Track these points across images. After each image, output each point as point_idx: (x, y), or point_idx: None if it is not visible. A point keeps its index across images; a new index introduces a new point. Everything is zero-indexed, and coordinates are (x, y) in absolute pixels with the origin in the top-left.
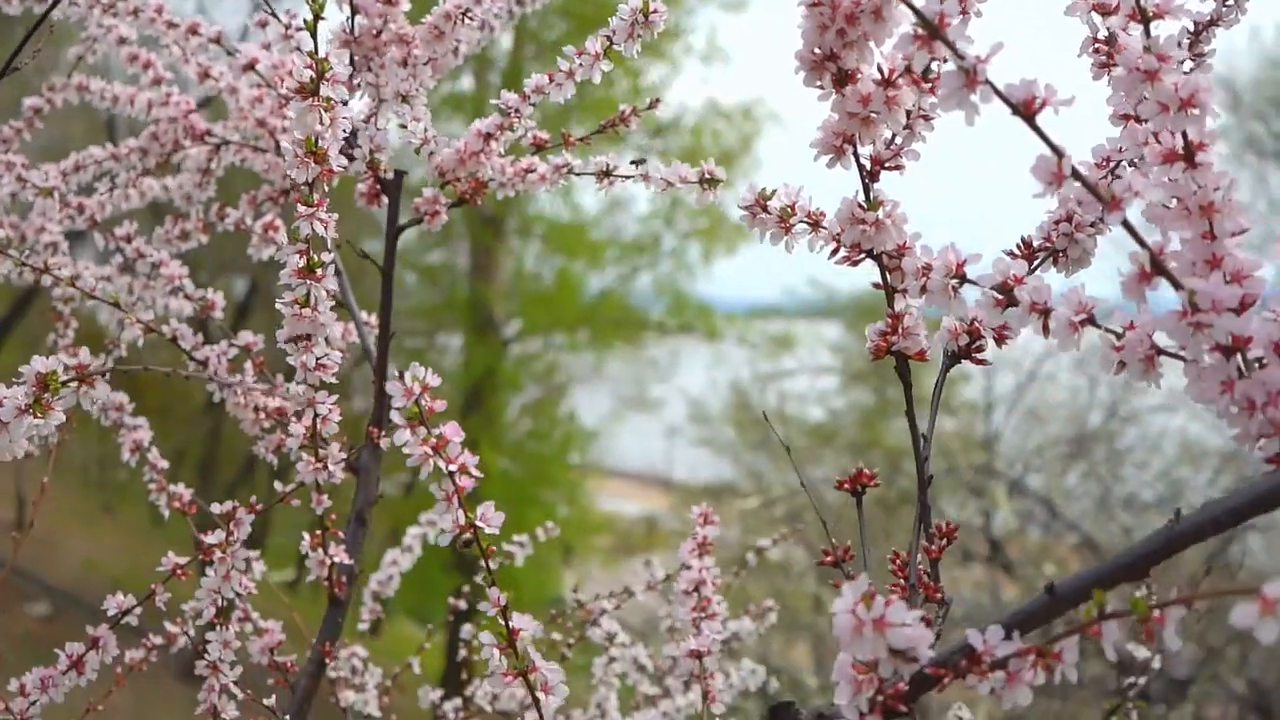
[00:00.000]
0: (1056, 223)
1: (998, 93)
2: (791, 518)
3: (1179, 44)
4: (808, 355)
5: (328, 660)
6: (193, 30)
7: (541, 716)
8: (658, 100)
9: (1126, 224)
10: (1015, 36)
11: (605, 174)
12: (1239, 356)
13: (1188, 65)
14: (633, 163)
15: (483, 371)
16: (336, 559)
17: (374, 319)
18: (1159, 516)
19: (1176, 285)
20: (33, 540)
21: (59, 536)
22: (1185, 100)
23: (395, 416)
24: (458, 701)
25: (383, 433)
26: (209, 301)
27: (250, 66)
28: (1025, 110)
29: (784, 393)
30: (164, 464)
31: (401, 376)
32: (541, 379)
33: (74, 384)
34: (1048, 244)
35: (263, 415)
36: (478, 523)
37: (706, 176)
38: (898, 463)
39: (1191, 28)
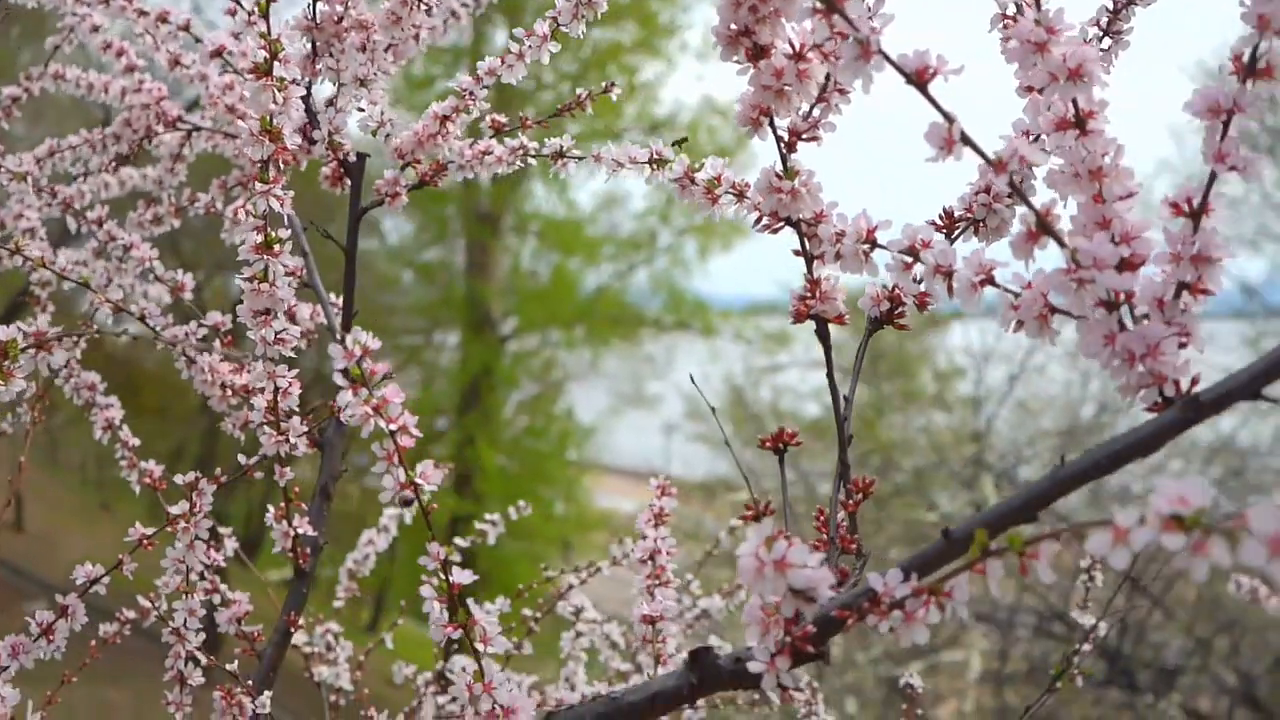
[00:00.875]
0: (976, 193)
1: (891, 62)
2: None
3: (1097, 22)
4: (803, 351)
5: (292, 629)
6: (162, 18)
7: (480, 667)
8: (613, 84)
9: (1013, 185)
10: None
11: (559, 155)
12: (1122, 311)
13: (1106, 43)
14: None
15: (480, 369)
16: (300, 530)
17: (340, 300)
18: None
19: (1061, 244)
20: (31, 538)
21: (57, 534)
22: (1073, 70)
23: (337, 378)
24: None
25: None
26: (179, 283)
27: (218, 53)
28: (918, 79)
29: (778, 388)
30: (135, 441)
31: (343, 341)
32: (538, 376)
33: (32, 350)
34: (968, 214)
35: (229, 392)
36: (417, 480)
37: (655, 157)
38: (891, 457)
39: (1111, 6)
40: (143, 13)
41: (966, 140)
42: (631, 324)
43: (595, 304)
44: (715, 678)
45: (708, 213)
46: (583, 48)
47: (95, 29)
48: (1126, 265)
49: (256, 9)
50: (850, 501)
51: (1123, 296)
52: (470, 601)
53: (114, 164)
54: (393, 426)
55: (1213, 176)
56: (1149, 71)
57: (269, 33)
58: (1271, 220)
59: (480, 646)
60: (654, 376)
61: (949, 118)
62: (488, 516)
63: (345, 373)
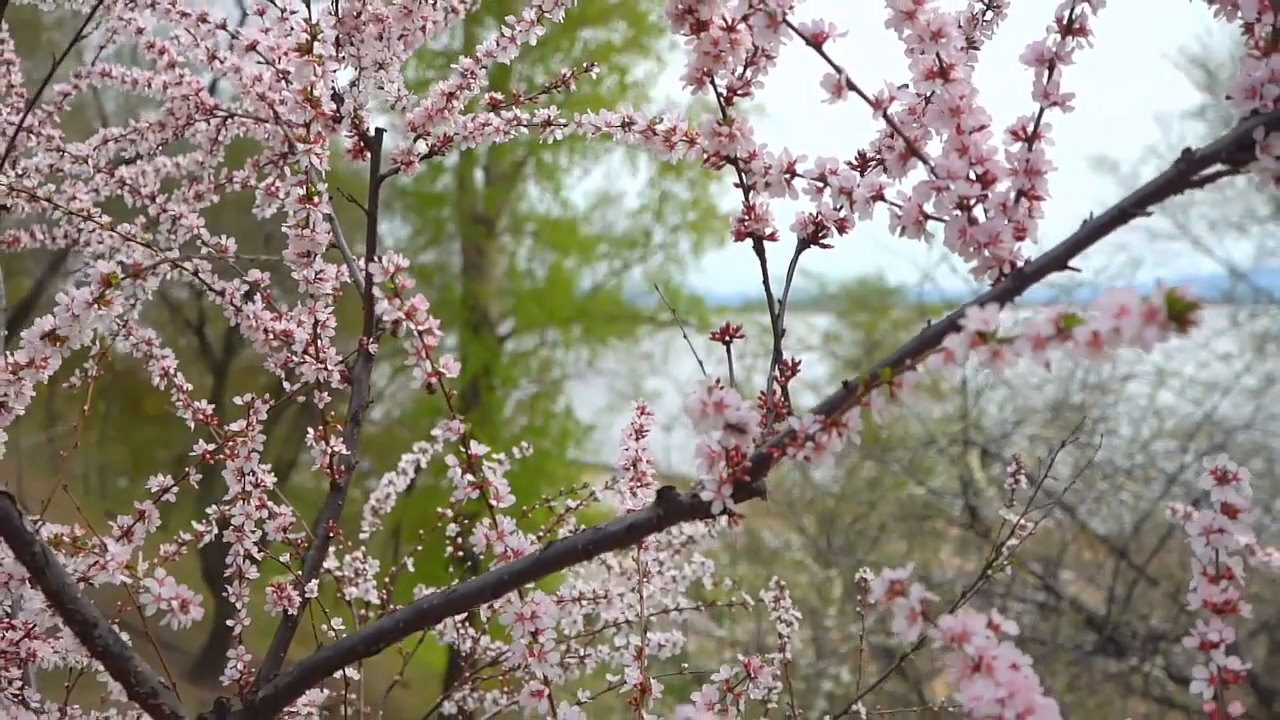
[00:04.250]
0: (883, 138)
1: (794, 29)
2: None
3: None
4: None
5: (331, 535)
6: (202, 19)
7: (494, 520)
8: (593, 64)
9: (888, 119)
10: None
11: (547, 124)
12: (978, 213)
13: (989, 15)
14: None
15: (479, 369)
16: (337, 450)
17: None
18: (1133, 483)
19: (925, 162)
20: None
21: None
22: (935, 32)
23: (376, 289)
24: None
25: (373, 340)
26: (223, 247)
27: (252, 47)
28: (815, 41)
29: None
30: (189, 386)
31: (381, 259)
32: (536, 375)
33: (130, 279)
34: (878, 155)
35: (271, 336)
36: (440, 369)
37: (625, 120)
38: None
39: None
40: (185, 14)
41: (852, 86)
42: (628, 322)
43: (591, 302)
44: (677, 509)
45: (666, 157)
46: (573, 48)
47: (140, 31)
48: (984, 180)
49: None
50: (782, 378)
51: (972, 201)
52: (485, 466)
53: (159, 149)
54: (421, 328)
55: (1041, 110)
56: (1136, 62)
57: (310, 18)
58: (1258, 204)
59: (494, 503)
60: (651, 373)
61: (838, 70)
62: (495, 456)
63: (381, 284)
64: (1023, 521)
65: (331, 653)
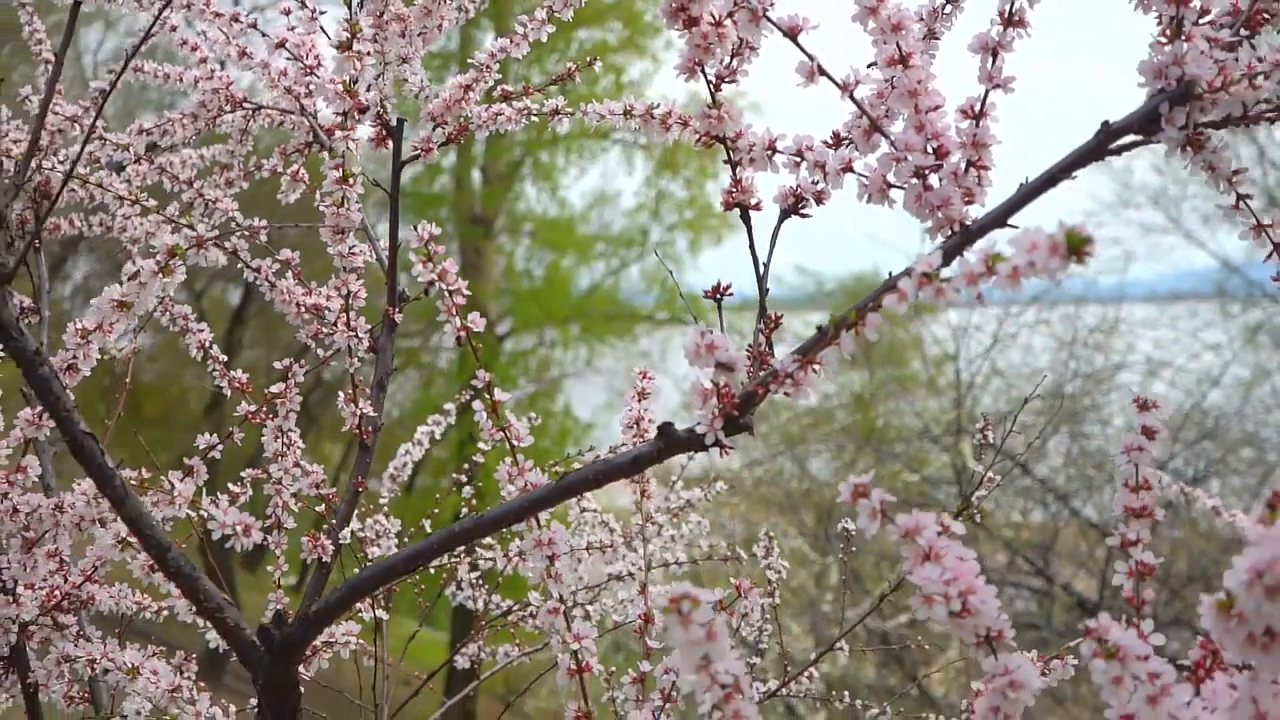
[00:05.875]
0: (853, 118)
1: (773, 23)
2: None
3: None
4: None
5: (360, 490)
6: (234, 19)
7: (515, 458)
8: (595, 59)
9: (854, 100)
10: None
11: (555, 113)
12: (933, 180)
13: (948, 9)
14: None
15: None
16: (365, 411)
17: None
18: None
19: (887, 137)
20: None
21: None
22: (895, 25)
23: (412, 256)
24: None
25: (398, 310)
26: (255, 229)
27: (281, 44)
28: (791, 33)
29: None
30: (224, 357)
31: (416, 229)
32: (535, 374)
33: (194, 249)
34: (849, 134)
35: (302, 310)
36: (469, 324)
37: (627, 109)
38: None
39: None
40: (218, 14)
41: (823, 72)
42: (625, 320)
43: (589, 302)
44: (675, 442)
45: (663, 138)
46: (569, 49)
47: (174, 29)
48: (938, 153)
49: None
50: (766, 329)
51: (928, 171)
52: (508, 414)
53: (193, 139)
54: (451, 288)
55: (986, 92)
56: (1130, 53)
57: (352, 17)
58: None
59: (514, 442)
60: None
61: (811, 57)
62: (528, 416)
63: (417, 250)
64: (990, 475)
65: (376, 570)
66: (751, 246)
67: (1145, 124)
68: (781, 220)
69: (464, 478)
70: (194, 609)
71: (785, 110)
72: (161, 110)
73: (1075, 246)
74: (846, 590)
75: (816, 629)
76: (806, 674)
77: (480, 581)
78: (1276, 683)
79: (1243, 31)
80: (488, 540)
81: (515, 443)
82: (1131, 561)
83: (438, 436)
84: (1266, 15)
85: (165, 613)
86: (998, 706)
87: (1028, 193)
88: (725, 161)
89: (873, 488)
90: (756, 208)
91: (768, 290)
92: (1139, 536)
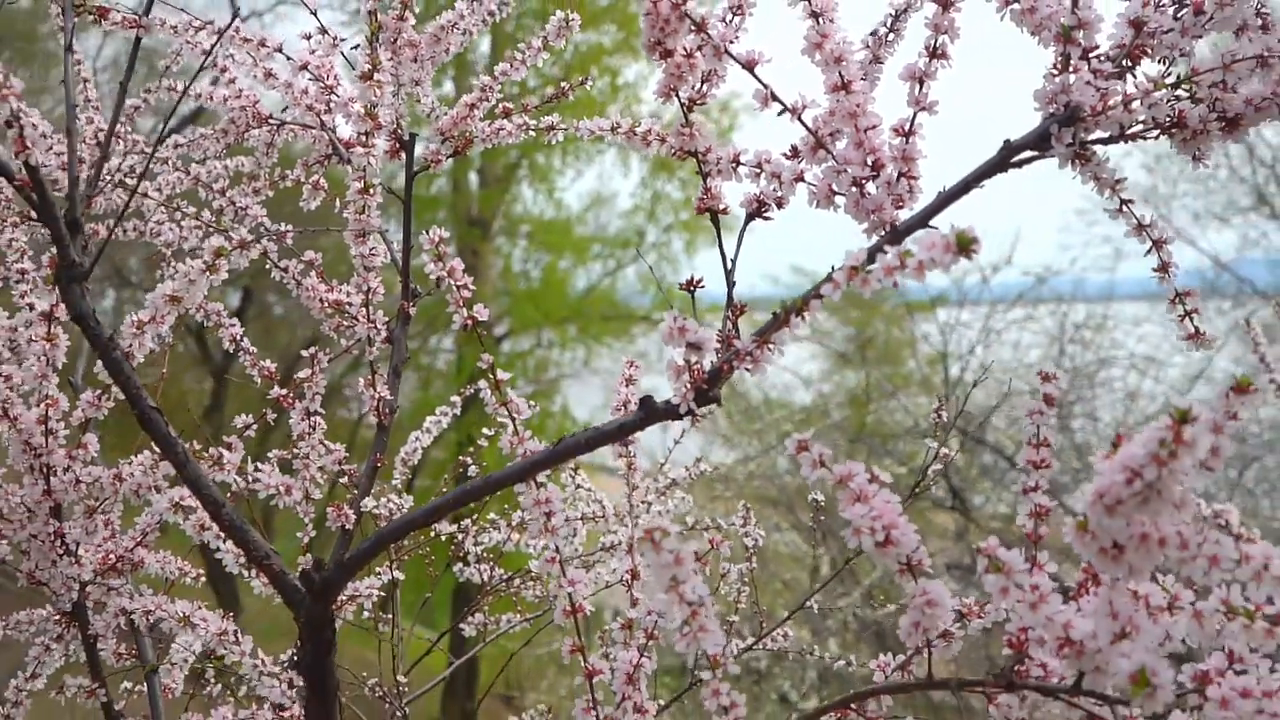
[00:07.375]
0: (804, 136)
1: (733, 57)
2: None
3: (885, 24)
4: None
5: (379, 466)
6: (262, 43)
7: (516, 429)
8: (587, 78)
9: (801, 121)
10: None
11: (551, 128)
12: (869, 188)
13: (892, 37)
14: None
15: (476, 370)
16: (382, 394)
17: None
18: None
19: (829, 151)
20: None
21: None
22: (837, 57)
23: (424, 255)
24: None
25: (411, 304)
26: (281, 233)
27: (304, 67)
28: (748, 65)
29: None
30: (254, 349)
31: (427, 233)
32: (533, 375)
33: (238, 250)
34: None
35: (325, 305)
36: (475, 314)
37: (614, 125)
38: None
39: (893, 13)
40: (246, 40)
41: (775, 98)
42: (622, 321)
43: (586, 302)
44: (655, 412)
45: (645, 152)
46: (565, 51)
47: (205, 53)
48: (875, 166)
49: (365, 35)
50: (733, 315)
51: (865, 180)
52: (510, 392)
53: (223, 152)
54: (459, 283)
55: (914, 114)
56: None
57: (374, 51)
58: (1239, 195)
59: (516, 417)
60: (647, 371)
61: (765, 86)
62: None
63: (428, 250)
64: (945, 450)
65: (400, 522)
66: (720, 245)
67: (1039, 142)
68: (747, 222)
69: (469, 459)
70: (242, 558)
71: (781, 111)
72: (161, 113)
73: (964, 245)
74: (818, 548)
75: (810, 620)
76: (781, 632)
77: (485, 555)
78: (1127, 588)
79: (1126, 63)
80: (491, 516)
81: (516, 415)
82: (1031, 504)
83: (445, 425)
84: (1145, 50)
85: (203, 578)
86: (918, 622)
87: (945, 199)
88: (695, 172)
89: (813, 443)
90: (725, 212)
91: (735, 283)
92: (1038, 484)
